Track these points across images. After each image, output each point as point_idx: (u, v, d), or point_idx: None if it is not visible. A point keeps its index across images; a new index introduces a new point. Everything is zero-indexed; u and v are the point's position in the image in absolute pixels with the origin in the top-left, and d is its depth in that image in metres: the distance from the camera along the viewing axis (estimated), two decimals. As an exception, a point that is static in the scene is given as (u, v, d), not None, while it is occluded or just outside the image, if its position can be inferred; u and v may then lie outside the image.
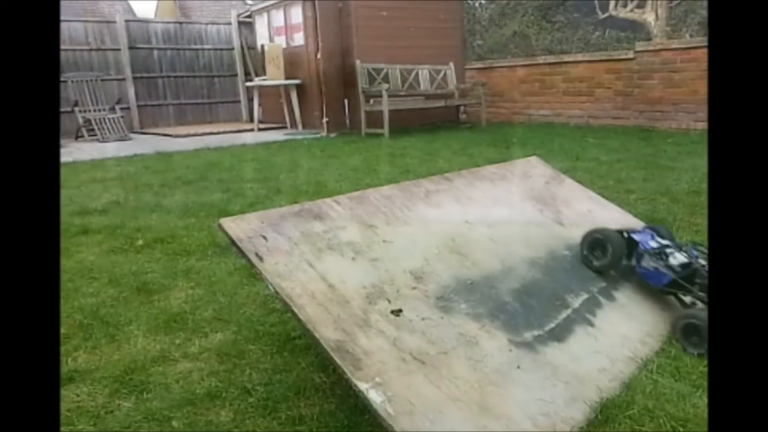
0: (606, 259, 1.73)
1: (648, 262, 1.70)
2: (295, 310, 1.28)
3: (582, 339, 1.54)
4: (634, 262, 1.75)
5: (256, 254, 1.43)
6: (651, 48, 6.77)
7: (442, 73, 8.35)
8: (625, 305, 1.75)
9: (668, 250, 1.72)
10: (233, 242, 1.50)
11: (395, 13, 7.94)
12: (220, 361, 1.59)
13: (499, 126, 7.90)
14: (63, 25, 8.75)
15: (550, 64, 7.84)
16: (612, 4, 8.14)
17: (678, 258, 1.69)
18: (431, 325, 1.37)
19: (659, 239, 1.79)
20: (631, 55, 6.95)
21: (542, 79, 7.93)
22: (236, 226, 1.51)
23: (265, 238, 1.51)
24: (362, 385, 1.12)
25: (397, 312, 1.37)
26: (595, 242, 1.77)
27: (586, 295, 1.72)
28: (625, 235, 1.78)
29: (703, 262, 1.65)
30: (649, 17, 8.02)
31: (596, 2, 8.45)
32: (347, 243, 1.58)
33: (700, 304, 1.66)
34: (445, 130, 7.68)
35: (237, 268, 2.34)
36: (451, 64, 8.39)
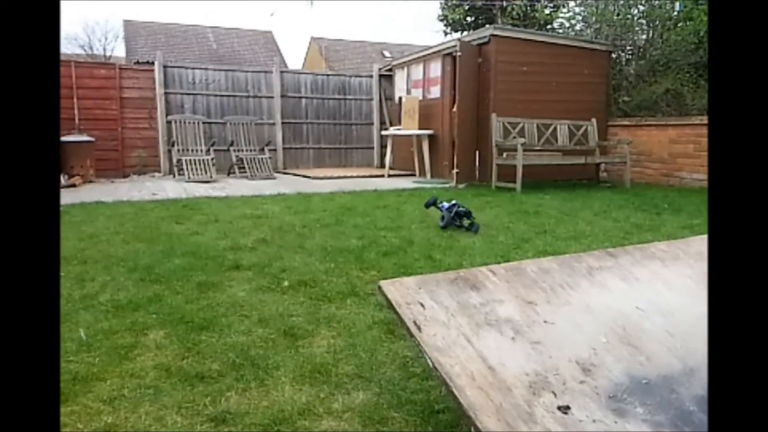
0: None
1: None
2: (455, 392, 1.21)
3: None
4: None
5: (414, 322, 1.40)
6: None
7: (583, 128, 8.00)
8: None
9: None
10: (391, 306, 1.49)
11: (536, 68, 7.84)
12: (363, 424, 1.56)
13: (644, 188, 7.31)
14: (229, 74, 9.92)
15: (707, 125, 7.15)
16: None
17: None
18: (603, 429, 1.21)
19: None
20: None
21: (698, 141, 7.24)
22: (395, 290, 1.50)
23: (422, 305, 1.48)
24: (530, 493, 1.01)
25: (564, 409, 1.23)
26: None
27: (790, 415, 1.43)
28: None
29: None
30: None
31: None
32: (505, 320, 1.49)
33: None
34: (582, 189, 7.28)
35: (376, 321, 2.33)
36: (593, 120, 8.02)
